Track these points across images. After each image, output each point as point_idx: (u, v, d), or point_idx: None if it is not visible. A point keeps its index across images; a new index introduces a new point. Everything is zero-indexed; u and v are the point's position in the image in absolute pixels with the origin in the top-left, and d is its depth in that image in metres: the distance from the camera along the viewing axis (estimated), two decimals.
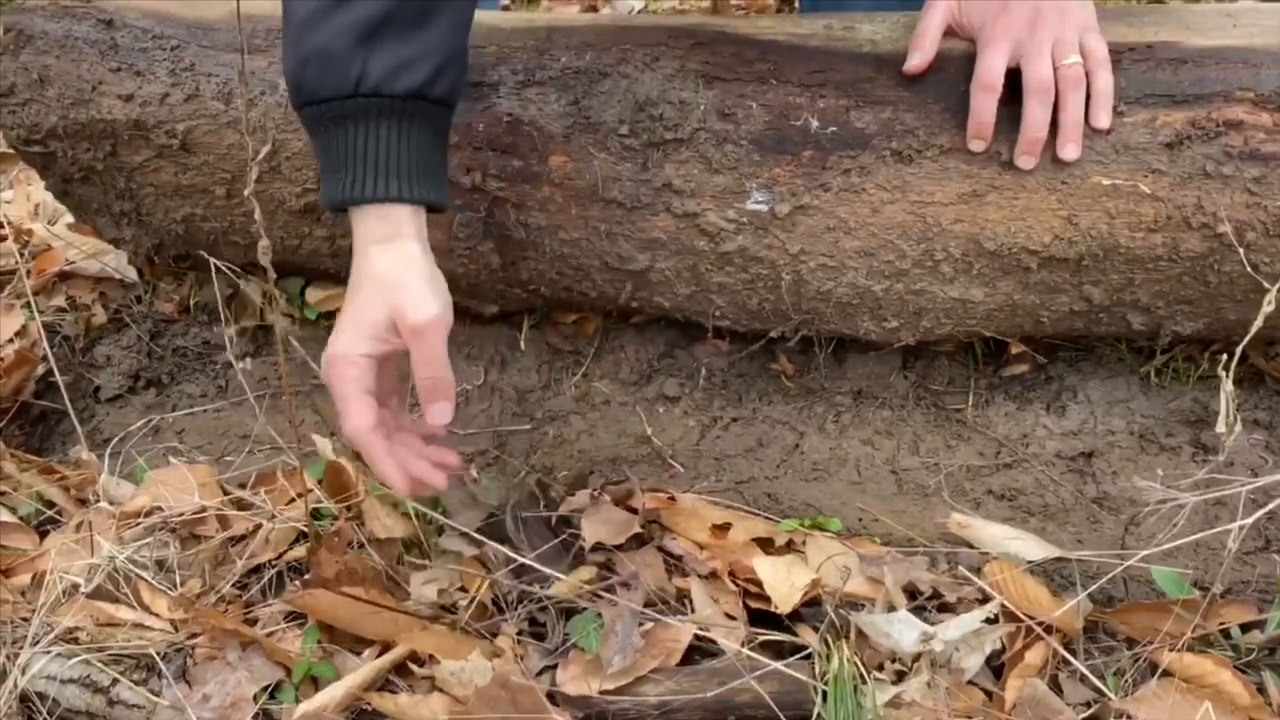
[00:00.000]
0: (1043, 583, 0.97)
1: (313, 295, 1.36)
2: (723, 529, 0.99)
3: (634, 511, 0.99)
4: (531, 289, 1.22)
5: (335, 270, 1.29)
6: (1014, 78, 1.00)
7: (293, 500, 1.03)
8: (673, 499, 1.03)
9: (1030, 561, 1.00)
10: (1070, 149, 1.00)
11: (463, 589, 0.93)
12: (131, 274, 1.41)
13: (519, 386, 1.29)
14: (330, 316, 1.36)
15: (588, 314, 1.30)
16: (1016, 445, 1.17)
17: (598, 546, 0.95)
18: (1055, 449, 1.16)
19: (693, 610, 0.88)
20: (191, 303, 1.38)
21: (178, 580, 0.99)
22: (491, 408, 1.28)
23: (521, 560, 0.92)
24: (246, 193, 0.79)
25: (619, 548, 0.94)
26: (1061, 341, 1.17)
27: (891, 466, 1.18)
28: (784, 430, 1.22)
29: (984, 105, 1.00)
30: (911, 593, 0.95)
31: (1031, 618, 0.88)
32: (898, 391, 1.23)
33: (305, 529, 0.96)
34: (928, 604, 0.94)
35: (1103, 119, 1.00)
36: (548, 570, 0.92)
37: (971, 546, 1.05)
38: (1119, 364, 1.18)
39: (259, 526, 0.99)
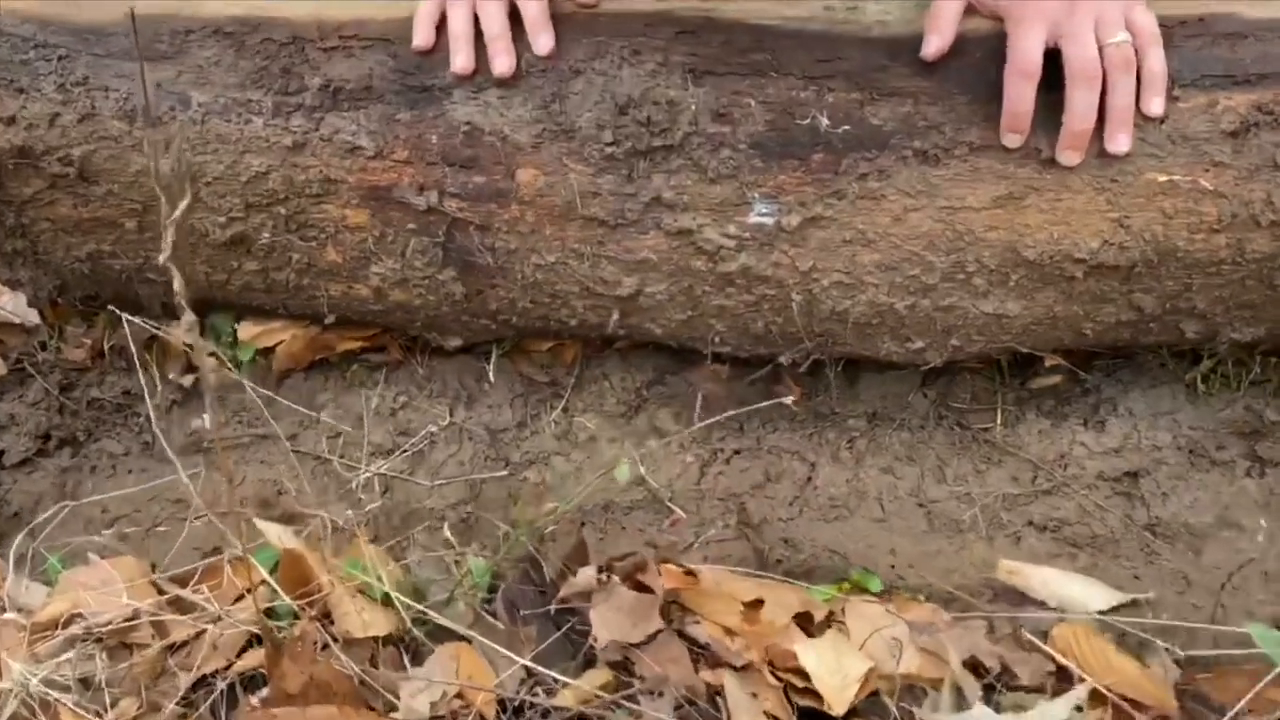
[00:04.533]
0: (1113, 640, 0.86)
1: (246, 332, 1.19)
2: (754, 606, 0.86)
3: (647, 589, 0.85)
4: (502, 319, 1.06)
5: (270, 305, 1.12)
6: (1052, 61, 0.87)
7: (241, 597, 0.88)
8: (693, 574, 0.89)
9: (1098, 613, 0.88)
10: (1121, 141, 0.87)
11: (460, 698, 0.79)
12: (33, 317, 1.22)
13: (491, 425, 1.14)
14: (268, 354, 1.20)
15: (565, 340, 1.15)
16: (1054, 467, 1.05)
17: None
18: (1097, 470, 1.04)
19: (729, 714, 0.75)
20: (106, 347, 1.20)
21: (108, 702, 0.83)
22: (461, 452, 1.13)
23: (521, 663, 0.78)
24: (163, 259, 0.62)
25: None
26: (1099, 350, 1.05)
27: (918, 498, 1.06)
28: (794, 461, 1.09)
29: (1021, 93, 0.87)
30: (974, 666, 0.82)
31: (1124, 697, 0.76)
32: (917, 412, 1.10)
33: (259, 631, 0.81)
34: (997, 682, 0.82)
35: (1156, 105, 0.87)
36: (554, 675, 0.77)
37: (1025, 596, 0.93)
38: (1161, 371, 1.06)
39: (203, 631, 0.83)
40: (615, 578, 0.85)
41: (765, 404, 0.98)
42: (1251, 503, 0.99)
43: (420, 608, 0.86)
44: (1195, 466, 1.03)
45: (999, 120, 0.89)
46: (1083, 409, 1.07)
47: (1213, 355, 1.03)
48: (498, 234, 0.99)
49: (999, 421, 1.08)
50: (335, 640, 0.83)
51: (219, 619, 0.83)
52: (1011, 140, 0.89)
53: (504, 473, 1.12)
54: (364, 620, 0.83)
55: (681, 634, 0.82)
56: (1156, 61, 0.86)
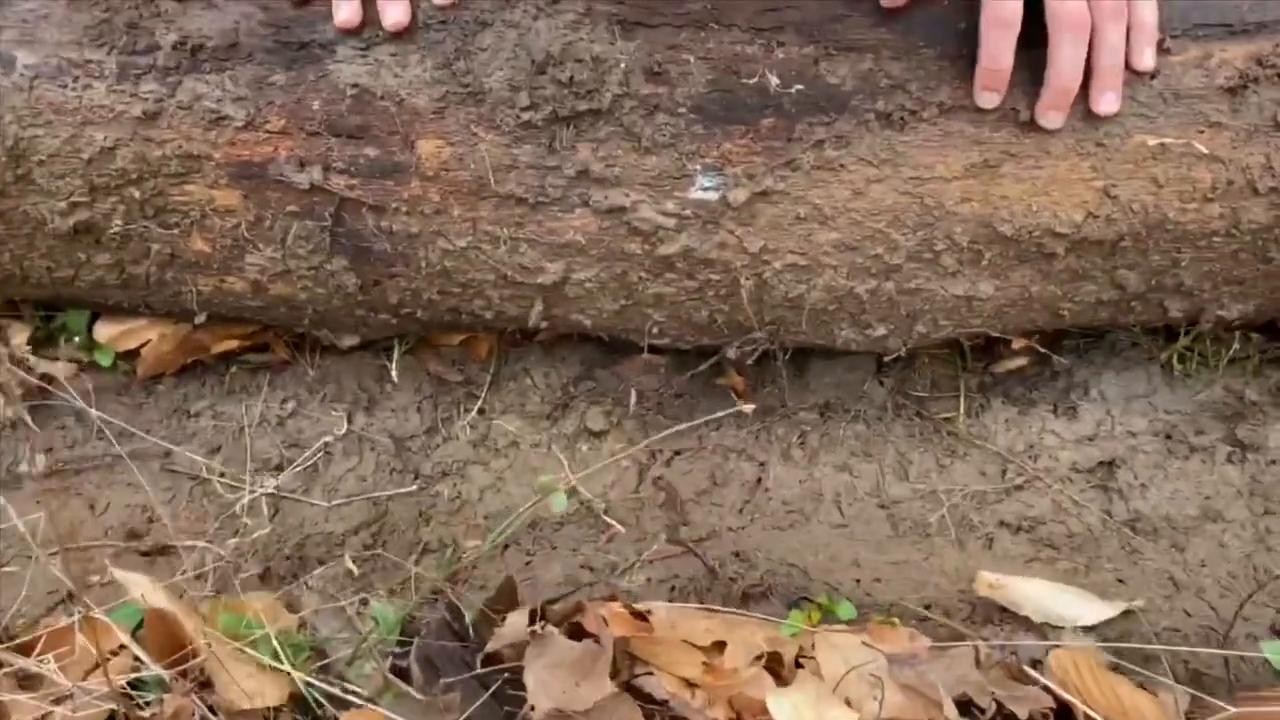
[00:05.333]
0: (1109, 658, 0.77)
1: (104, 332, 1.02)
2: (715, 649, 0.74)
3: (589, 635, 0.72)
4: (404, 314, 0.92)
5: (130, 303, 0.96)
6: (1031, 10, 0.76)
7: (97, 666, 0.73)
8: (645, 619, 0.77)
9: (1089, 628, 0.80)
10: (1108, 99, 0.77)
11: None
12: None
13: (396, 432, 1.00)
14: (131, 357, 1.03)
15: (479, 333, 1.01)
16: (1024, 460, 0.96)
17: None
18: (1070, 460, 0.95)
19: None
20: None
21: None
22: (362, 465, 0.99)
23: None
24: None
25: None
26: (1071, 330, 0.95)
27: (879, 499, 0.95)
28: (741, 462, 0.98)
29: (998, 46, 0.76)
30: (965, 703, 0.73)
31: None
32: (873, 401, 1.00)
33: (120, 711, 0.66)
34: None
35: (1147, 58, 0.77)
36: None
37: (1007, 612, 0.84)
38: (1135, 351, 0.98)
39: (47, 715, 0.68)
40: (551, 625, 0.73)
41: (720, 414, 0.86)
42: (1234, 492, 0.92)
43: (315, 677, 0.72)
44: (1173, 454, 0.95)
45: (972, 78, 0.78)
46: (1052, 394, 0.98)
47: (1189, 332, 0.95)
48: (395, 216, 0.84)
49: (962, 410, 0.99)
50: (216, 714, 0.69)
51: (68, 697, 0.68)
52: (987, 100, 0.78)
53: (413, 488, 0.98)
54: (250, 688, 0.69)
55: (633, 689, 0.70)
56: (1147, 10, 0.76)
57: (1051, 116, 0.78)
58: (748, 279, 0.84)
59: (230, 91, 0.82)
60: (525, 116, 0.80)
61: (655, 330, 0.90)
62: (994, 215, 0.81)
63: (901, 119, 0.79)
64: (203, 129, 0.82)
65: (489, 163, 0.81)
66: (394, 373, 1.02)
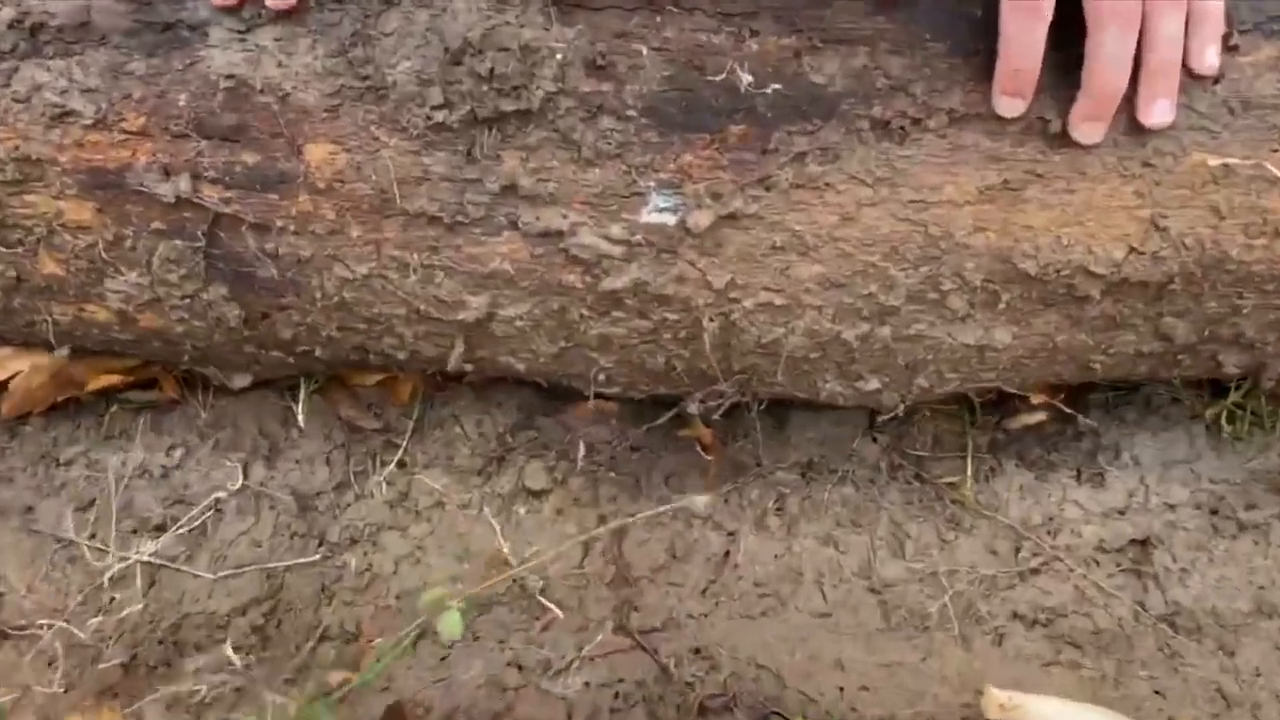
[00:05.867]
0: None
1: None
2: None
3: None
4: (301, 352, 0.77)
5: None
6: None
7: None
8: None
9: None
10: (1160, 108, 0.62)
11: None
12: None
13: (299, 488, 0.85)
14: None
15: (398, 372, 0.85)
16: (1041, 535, 0.80)
17: None
18: (1096, 537, 0.80)
19: None
20: None
21: None
22: (258, 527, 0.84)
23: None
24: None
25: None
26: (1101, 383, 0.80)
27: (869, 580, 0.80)
28: (706, 531, 0.83)
29: (1024, 40, 0.61)
30: None
31: None
32: (864, 461, 0.85)
33: None
34: None
35: (1209, 58, 0.62)
36: None
37: None
38: (1174, 408, 0.83)
39: None
40: None
41: (676, 505, 0.71)
42: None
43: None
44: (1220, 532, 0.79)
45: (990, 79, 0.63)
46: (1075, 456, 0.83)
47: (1240, 387, 0.80)
48: (282, 236, 0.69)
49: (970, 474, 0.83)
50: None
51: None
52: (1008, 107, 0.63)
53: (315, 556, 0.83)
54: None
55: None
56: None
57: (1088, 129, 0.62)
58: (712, 320, 0.69)
59: (78, 82, 0.67)
60: (437, 117, 0.64)
61: (602, 378, 0.75)
62: (1014, 249, 0.65)
63: (902, 129, 0.64)
64: (44, 127, 0.67)
65: (394, 173, 0.66)
66: (300, 417, 0.87)
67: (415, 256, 0.68)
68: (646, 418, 0.84)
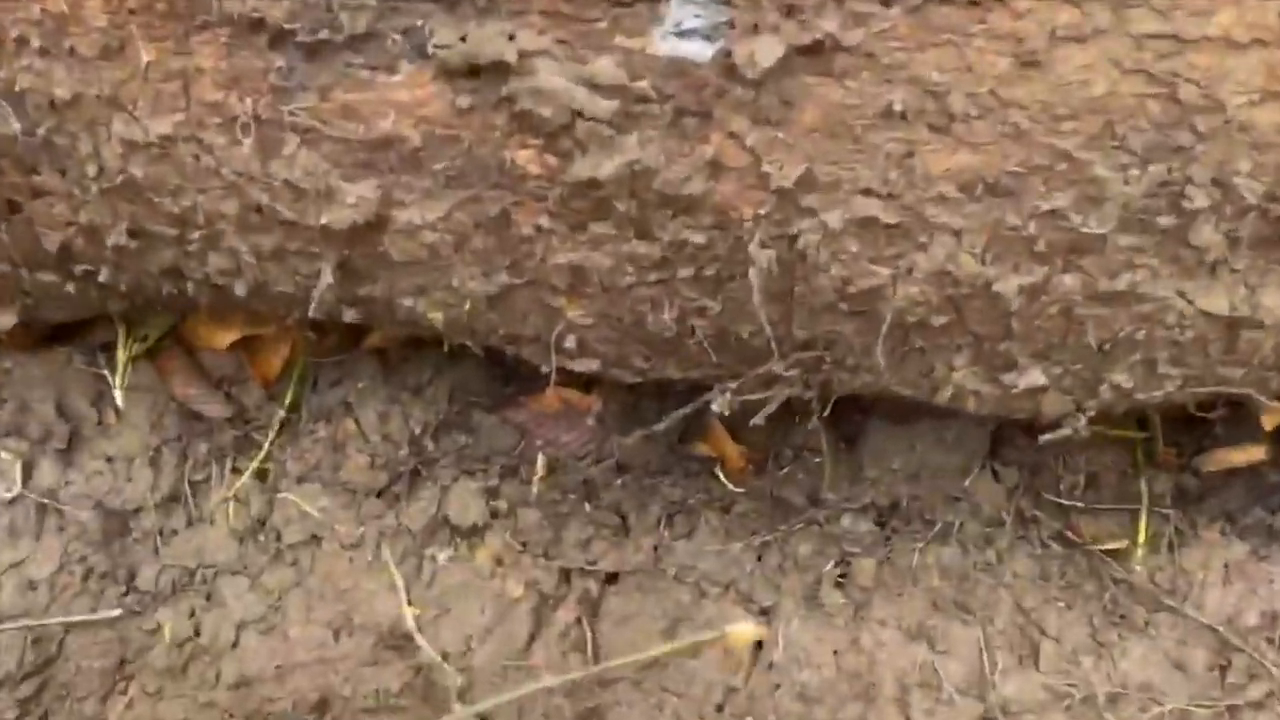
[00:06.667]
0: None
1: None
2: None
3: None
4: (83, 274, 0.47)
5: None
6: None
7: None
8: None
9: None
10: None
11: None
12: None
13: (108, 501, 0.55)
14: None
15: (269, 329, 0.55)
16: (1259, 643, 0.50)
17: None
18: None
19: None
20: None
21: None
22: (37, 558, 0.54)
23: None
24: None
25: None
26: None
27: (982, 701, 0.50)
28: (726, 606, 0.52)
29: None
30: None
31: None
32: (979, 507, 0.54)
33: None
34: None
35: None
36: None
37: None
38: None
39: None
40: None
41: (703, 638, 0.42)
42: None
43: None
44: None
45: None
46: None
47: None
48: (22, 58, 0.39)
49: (1142, 538, 0.53)
50: None
51: None
52: None
53: (116, 612, 0.52)
54: None
55: None
56: None
57: None
58: (766, 245, 0.39)
59: None
60: None
61: (572, 344, 0.45)
62: None
63: None
64: None
65: None
66: (117, 393, 0.57)
67: (249, 104, 0.39)
68: (643, 418, 0.53)
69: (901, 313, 0.40)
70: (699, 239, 0.40)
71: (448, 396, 0.56)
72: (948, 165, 0.37)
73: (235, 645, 0.52)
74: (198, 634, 0.52)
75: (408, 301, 0.44)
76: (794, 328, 0.42)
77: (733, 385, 0.44)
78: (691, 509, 0.55)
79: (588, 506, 0.55)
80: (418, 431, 0.56)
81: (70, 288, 0.48)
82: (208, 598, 0.53)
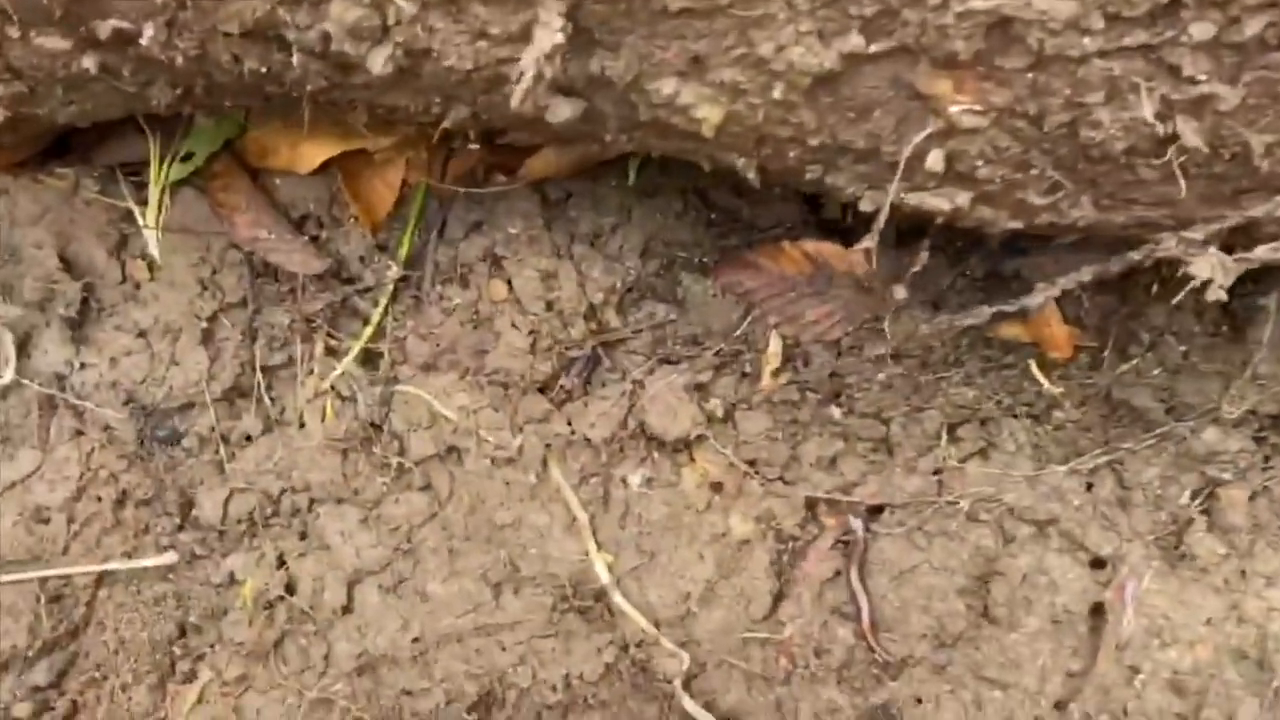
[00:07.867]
0: None
1: None
2: None
3: None
4: (113, 38, 0.28)
5: None
6: None
7: None
8: None
9: None
10: None
11: None
12: None
13: (147, 398, 0.38)
14: None
15: (383, 143, 0.37)
16: None
17: None
18: None
19: None
20: None
21: None
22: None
23: None
24: None
25: None
26: None
27: None
28: (1049, 556, 0.36)
29: None
30: None
31: None
32: None
33: None
34: None
35: None
36: None
37: None
38: None
39: None
40: None
41: None
42: None
43: None
44: None
45: None
46: None
47: None
48: None
49: None
50: None
51: None
52: None
53: (167, 558, 0.36)
54: None
55: None
56: None
57: None
58: None
59: None
60: None
61: (936, 162, 0.27)
62: None
63: None
64: None
65: None
66: (150, 234, 0.39)
67: None
68: (928, 285, 0.37)
69: None
70: None
71: (640, 250, 0.39)
72: None
73: (348, 609, 0.36)
74: (290, 591, 0.36)
75: (667, 87, 0.26)
76: None
77: (1194, 233, 0.27)
78: (990, 417, 0.38)
79: (836, 411, 0.39)
80: (598, 300, 0.38)
81: (88, 63, 0.29)
82: (301, 537, 0.37)
